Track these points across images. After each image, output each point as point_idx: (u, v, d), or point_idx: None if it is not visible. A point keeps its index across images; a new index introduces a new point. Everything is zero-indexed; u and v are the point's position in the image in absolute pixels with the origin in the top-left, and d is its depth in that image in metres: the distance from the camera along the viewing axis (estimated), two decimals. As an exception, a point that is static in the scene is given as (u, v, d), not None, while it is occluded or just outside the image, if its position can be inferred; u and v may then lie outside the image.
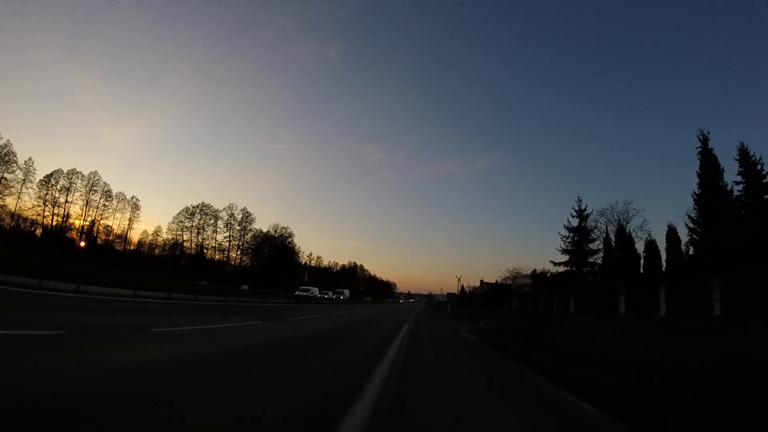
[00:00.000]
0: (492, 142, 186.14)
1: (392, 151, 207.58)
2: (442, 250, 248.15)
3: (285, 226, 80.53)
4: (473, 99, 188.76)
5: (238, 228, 71.88)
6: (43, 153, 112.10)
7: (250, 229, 73.38)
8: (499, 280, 63.63)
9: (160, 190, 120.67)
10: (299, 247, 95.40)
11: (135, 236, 66.33)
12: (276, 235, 77.82)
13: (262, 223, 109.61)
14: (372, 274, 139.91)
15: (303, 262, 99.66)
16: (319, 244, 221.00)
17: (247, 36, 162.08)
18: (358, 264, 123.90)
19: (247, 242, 72.61)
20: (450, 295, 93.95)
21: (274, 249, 75.29)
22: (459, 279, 73.93)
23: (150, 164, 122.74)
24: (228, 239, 71.07)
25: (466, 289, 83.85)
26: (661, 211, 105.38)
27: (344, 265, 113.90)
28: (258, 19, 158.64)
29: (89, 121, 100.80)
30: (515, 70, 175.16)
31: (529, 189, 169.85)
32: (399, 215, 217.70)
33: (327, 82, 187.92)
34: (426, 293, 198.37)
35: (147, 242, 67.11)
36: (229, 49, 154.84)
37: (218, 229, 69.84)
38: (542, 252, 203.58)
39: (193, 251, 65.24)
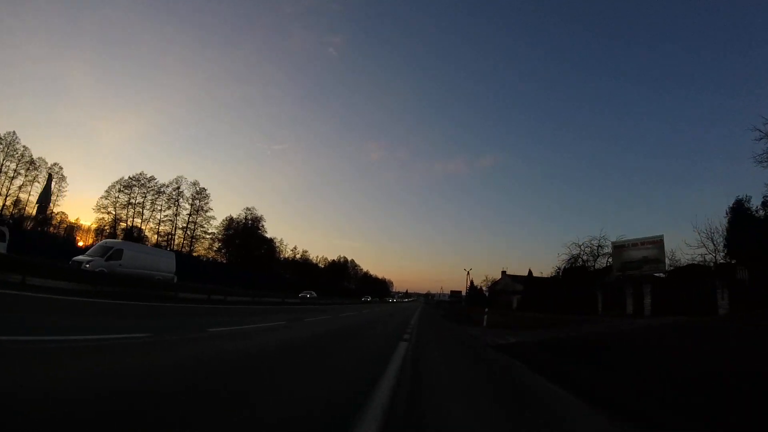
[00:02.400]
0: (495, 142, 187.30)
1: (393, 149, 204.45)
2: (441, 250, 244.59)
3: (250, 207, 66.33)
4: (477, 97, 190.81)
5: (188, 207, 57.33)
6: (38, 148, 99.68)
7: (207, 210, 59.03)
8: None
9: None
10: (281, 240, 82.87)
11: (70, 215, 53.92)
12: (240, 219, 64.18)
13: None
14: (365, 270, 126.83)
15: (285, 257, 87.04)
16: (317, 243, 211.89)
17: (243, 30, 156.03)
18: (349, 259, 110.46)
19: (201, 227, 58.97)
20: (455, 293, 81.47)
21: (243, 236, 62.47)
22: (468, 273, 62.16)
23: (144, 162, 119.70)
24: (171, 219, 55.84)
25: (477, 285, 71.02)
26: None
27: (333, 260, 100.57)
28: (253, 11, 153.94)
29: (84, 117, 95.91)
30: (519, 69, 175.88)
31: (532, 189, 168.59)
32: (399, 214, 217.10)
33: (327, 78, 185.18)
34: (424, 292, 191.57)
35: (75, 224, 53.94)
36: (224, 44, 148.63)
37: (159, 207, 55.38)
38: (545, 253, 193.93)
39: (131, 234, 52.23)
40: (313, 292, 52.21)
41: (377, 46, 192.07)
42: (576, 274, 33.80)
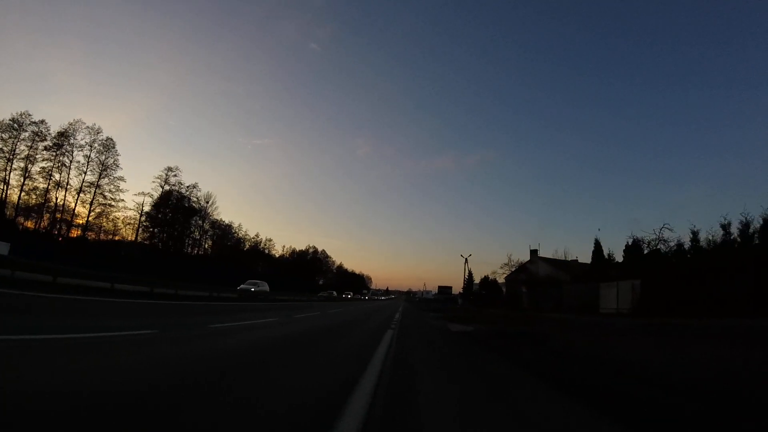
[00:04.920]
0: (484, 139, 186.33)
1: (380, 145, 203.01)
2: (424, 248, 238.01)
3: (173, 167, 50.21)
4: (465, 94, 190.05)
5: (81, 158, 40.83)
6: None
7: (114, 169, 43.31)
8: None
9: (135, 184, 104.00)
10: (239, 225, 68.17)
11: None
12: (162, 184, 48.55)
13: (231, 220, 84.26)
14: (339, 263, 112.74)
15: (247, 248, 72.35)
16: (300, 241, 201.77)
17: (224, 22, 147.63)
18: (320, 249, 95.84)
19: (108, 195, 42.99)
20: (443, 289, 68.04)
21: (172, 210, 47.48)
22: (466, 261, 48.20)
23: (122, 157, 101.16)
24: (59, 170, 39.72)
25: (489, 275, 55.01)
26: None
27: (301, 250, 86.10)
28: (236, 4, 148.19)
29: (65, 110, 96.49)
30: (508, 66, 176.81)
31: (521, 187, 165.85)
32: (384, 212, 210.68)
33: (310, 73, 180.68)
34: (405, 290, 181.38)
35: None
36: (205, 37, 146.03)
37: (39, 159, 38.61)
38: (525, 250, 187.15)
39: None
40: (265, 284, 38.66)
41: (363, 40, 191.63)
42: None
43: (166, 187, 48.63)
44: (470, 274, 56.74)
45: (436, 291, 76.86)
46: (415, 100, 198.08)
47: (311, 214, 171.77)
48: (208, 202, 62.45)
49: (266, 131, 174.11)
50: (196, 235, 60.98)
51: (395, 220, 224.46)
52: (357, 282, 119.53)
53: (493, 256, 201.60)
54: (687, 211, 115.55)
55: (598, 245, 31.15)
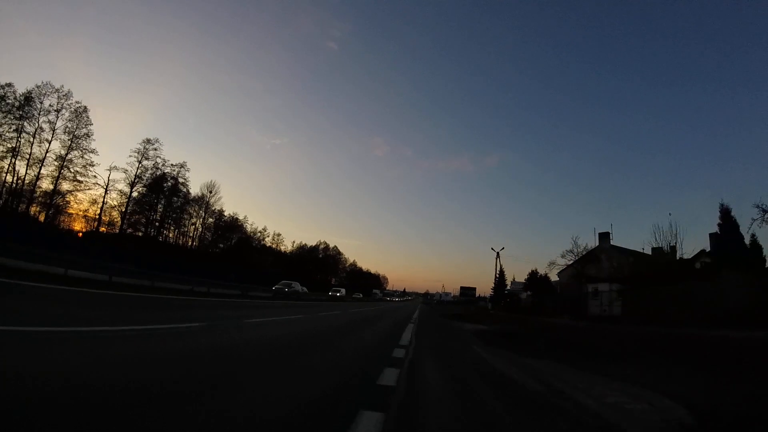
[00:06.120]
0: (502, 140, 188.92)
1: (398, 146, 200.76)
2: (443, 249, 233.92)
3: (153, 138, 45.03)
4: (483, 95, 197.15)
5: (46, 126, 35.37)
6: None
7: (86, 139, 37.78)
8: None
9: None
10: (244, 216, 64.58)
11: None
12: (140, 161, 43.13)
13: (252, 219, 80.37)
14: (352, 261, 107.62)
15: (256, 243, 68.75)
16: (313, 240, 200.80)
17: (243, 19, 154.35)
18: (331, 245, 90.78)
19: (79, 170, 37.19)
20: (466, 290, 61.55)
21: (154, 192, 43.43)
22: (498, 255, 41.91)
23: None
24: (18, 139, 34.11)
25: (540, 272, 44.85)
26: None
27: (312, 246, 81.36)
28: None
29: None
30: (527, 68, 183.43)
31: (538, 188, 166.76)
32: (401, 213, 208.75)
33: (328, 72, 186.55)
34: (423, 292, 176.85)
35: None
36: (223, 33, 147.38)
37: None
38: (551, 252, 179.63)
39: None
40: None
41: (382, 40, 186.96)
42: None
43: (145, 162, 43.10)
44: (502, 272, 47.96)
45: (457, 293, 70.27)
46: (434, 100, 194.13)
47: (328, 213, 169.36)
48: (211, 192, 59.20)
49: (283, 129, 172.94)
50: (198, 226, 57.57)
51: (413, 220, 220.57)
52: (371, 282, 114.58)
53: (512, 260, 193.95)
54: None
55: (728, 217, 22.60)
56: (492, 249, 41.09)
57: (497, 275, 44.96)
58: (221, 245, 61.37)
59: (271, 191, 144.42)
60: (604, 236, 33.76)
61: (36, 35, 77.29)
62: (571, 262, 31.12)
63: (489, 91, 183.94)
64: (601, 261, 29.86)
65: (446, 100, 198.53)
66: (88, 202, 38.60)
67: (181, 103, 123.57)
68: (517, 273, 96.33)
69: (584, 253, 31.10)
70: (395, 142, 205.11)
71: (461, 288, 65.73)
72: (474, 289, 61.86)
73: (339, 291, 54.64)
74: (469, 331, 14.33)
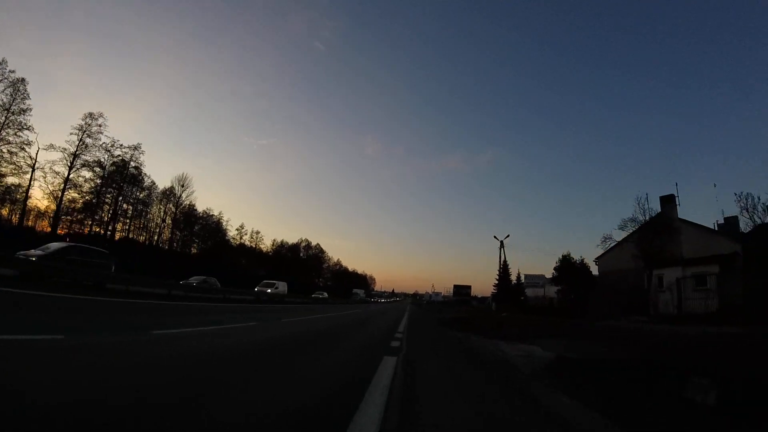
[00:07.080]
0: (494, 138, 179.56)
1: (389, 144, 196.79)
2: (434, 250, 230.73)
3: (95, 113, 39.09)
4: (475, 93, 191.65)
5: None
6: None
7: (22, 111, 31.59)
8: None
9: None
10: (225, 218, 58.65)
11: None
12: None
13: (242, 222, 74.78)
14: (336, 260, 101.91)
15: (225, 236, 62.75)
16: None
17: (230, 19, 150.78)
18: (313, 243, 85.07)
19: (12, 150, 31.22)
20: (460, 288, 56.25)
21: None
22: (502, 244, 34.67)
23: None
24: None
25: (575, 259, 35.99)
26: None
27: (293, 243, 75.67)
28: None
29: (71, 108, 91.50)
30: (518, 64, 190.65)
31: (532, 185, 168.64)
32: (392, 212, 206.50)
33: (317, 71, 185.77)
34: (412, 292, 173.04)
35: None
36: (210, 34, 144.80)
37: None
38: (545, 251, 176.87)
39: None
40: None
41: (371, 38, 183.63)
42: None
43: (88, 140, 36.42)
44: (506, 264, 41.57)
45: (448, 293, 66.01)
46: (424, 99, 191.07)
47: (318, 214, 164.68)
48: (183, 186, 53.45)
49: (272, 130, 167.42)
50: (168, 221, 51.69)
51: (405, 220, 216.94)
52: (357, 282, 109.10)
53: (511, 260, 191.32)
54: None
55: None
56: (495, 237, 35.38)
57: (500, 268, 39.01)
58: (195, 243, 55.76)
59: (260, 192, 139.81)
60: (669, 201, 22.09)
61: (26, 42, 73.83)
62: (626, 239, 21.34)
63: (480, 88, 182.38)
64: (672, 236, 19.72)
65: (438, 98, 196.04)
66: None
67: (167, 104, 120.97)
68: (514, 270, 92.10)
69: (644, 223, 20.79)
70: (386, 141, 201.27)
71: (455, 286, 59.44)
72: (469, 287, 56.92)
73: (322, 294, 50.65)
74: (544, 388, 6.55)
